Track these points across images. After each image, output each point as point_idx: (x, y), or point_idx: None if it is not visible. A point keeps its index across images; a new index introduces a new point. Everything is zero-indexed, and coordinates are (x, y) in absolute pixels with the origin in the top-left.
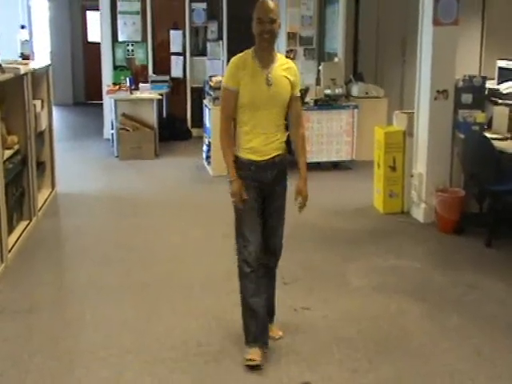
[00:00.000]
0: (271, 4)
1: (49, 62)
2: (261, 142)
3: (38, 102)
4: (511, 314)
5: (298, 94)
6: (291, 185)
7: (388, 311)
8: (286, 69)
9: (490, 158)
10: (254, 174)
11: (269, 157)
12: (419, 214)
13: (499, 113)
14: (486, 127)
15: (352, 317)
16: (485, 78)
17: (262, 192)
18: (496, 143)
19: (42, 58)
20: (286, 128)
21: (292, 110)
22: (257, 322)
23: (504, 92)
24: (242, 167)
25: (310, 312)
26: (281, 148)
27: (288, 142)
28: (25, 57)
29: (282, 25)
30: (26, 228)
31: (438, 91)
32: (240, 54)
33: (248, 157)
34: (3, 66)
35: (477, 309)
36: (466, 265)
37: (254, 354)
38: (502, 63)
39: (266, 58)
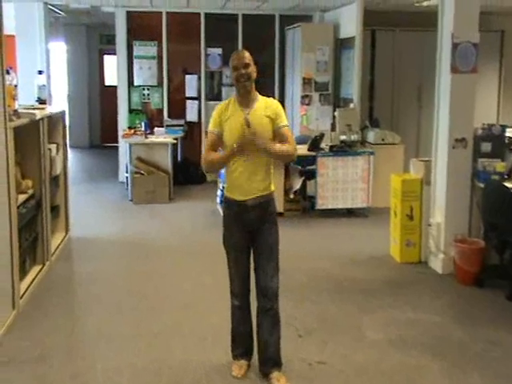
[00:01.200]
0: (243, 52)
1: (65, 108)
2: (244, 182)
3: (53, 146)
4: None
5: (283, 124)
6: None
7: (405, 367)
8: (266, 107)
9: (511, 209)
10: (238, 213)
11: (252, 197)
12: (437, 264)
13: None
14: (506, 176)
15: (368, 372)
16: (505, 127)
17: (249, 231)
18: None
19: (59, 101)
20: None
21: (280, 138)
22: (240, 345)
23: None
24: (228, 206)
25: (325, 366)
26: (265, 188)
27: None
28: (42, 101)
29: (297, 70)
30: (38, 273)
31: (456, 139)
32: (223, 101)
33: (233, 197)
34: (19, 111)
35: (499, 367)
36: (486, 319)
37: (236, 370)
38: None
39: (246, 100)
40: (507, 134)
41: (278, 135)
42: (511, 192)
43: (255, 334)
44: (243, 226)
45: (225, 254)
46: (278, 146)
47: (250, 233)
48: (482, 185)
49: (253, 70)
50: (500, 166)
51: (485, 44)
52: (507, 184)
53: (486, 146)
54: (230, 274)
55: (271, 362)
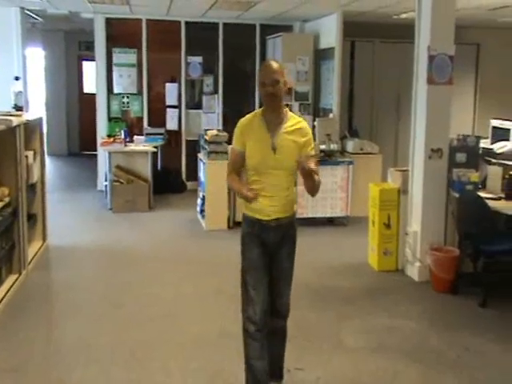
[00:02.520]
0: (274, 65)
1: (42, 114)
2: (266, 203)
3: (30, 154)
4: (508, 378)
5: (311, 154)
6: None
7: (383, 373)
8: (294, 130)
9: (484, 218)
10: (258, 232)
11: (273, 217)
12: (414, 272)
13: (493, 172)
14: (480, 187)
15: (346, 379)
16: (479, 138)
17: (268, 251)
18: (490, 203)
19: (36, 108)
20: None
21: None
22: (253, 379)
23: (498, 151)
24: (247, 224)
25: (304, 373)
26: (287, 210)
27: None
28: (18, 108)
29: None
30: (15, 282)
31: (432, 150)
32: (248, 116)
33: (253, 215)
34: None
35: (473, 371)
36: (461, 325)
37: None
38: (496, 122)
39: (273, 120)
40: (481, 145)
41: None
42: (485, 202)
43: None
44: (263, 245)
45: (239, 277)
46: (318, 177)
47: (269, 254)
48: (456, 194)
49: (282, 86)
50: (474, 176)
51: (461, 56)
52: (481, 194)
53: (461, 157)
54: (248, 297)
55: (276, 375)
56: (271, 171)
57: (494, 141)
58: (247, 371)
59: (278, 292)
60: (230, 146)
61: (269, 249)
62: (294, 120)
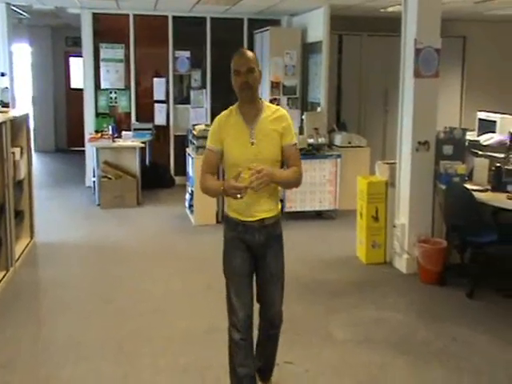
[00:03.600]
0: (249, 53)
1: (28, 110)
2: (248, 202)
3: (17, 150)
4: (495, 367)
5: (293, 142)
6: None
7: (371, 365)
8: (274, 119)
9: (471, 210)
10: (242, 234)
11: (256, 218)
12: (402, 264)
13: (480, 164)
14: (466, 179)
15: (335, 371)
16: (465, 130)
17: (253, 255)
18: (477, 194)
19: (23, 104)
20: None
21: (287, 160)
22: None
23: (484, 144)
24: (230, 226)
25: (293, 366)
26: (272, 210)
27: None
28: (4, 104)
29: (265, 73)
30: (2, 279)
31: (419, 142)
32: (224, 112)
33: (235, 216)
34: None
35: (461, 362)
36: (448, 316)
37: None
38: (482, 115)
39: (250, 111)
40: (468, 137)
41: (285, 153)
42: (471, 193)
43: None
44: (247, 250)
45: (223, 278)
46: (284, 175)
47: (254, 257)
48: (443, 187)
49: (257, 75)
50: (461, 168)
51: (447, 49)
52: (468, 186)
53: (448, 149)
54: (231, 304)
55: (267, 373)
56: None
57: (481, 133)
58: (232, 375)
59: (269, 299)
60: (206, 145)
61: (254, 251)
62: (272, 109)
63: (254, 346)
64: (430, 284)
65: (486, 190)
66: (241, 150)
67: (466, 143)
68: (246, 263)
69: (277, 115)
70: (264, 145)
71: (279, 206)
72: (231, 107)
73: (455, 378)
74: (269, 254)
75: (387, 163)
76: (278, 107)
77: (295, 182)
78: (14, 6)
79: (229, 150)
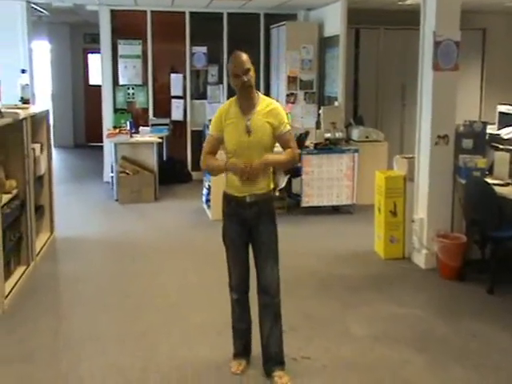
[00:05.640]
0: (243, 56)
1: (48, 107)
2: (241, 183)
3: (37, 146)
4: None
5: (285, 130)
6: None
7: (389, 361)
8: (267, 112)
9: (492, 204)
10: (235, 209)
11: (248, 193)
12: (420, 259)
13: (500, 158)
14: (487, 173)
15: (352, 367)
16: (485, 124)
17: (247, 227)
18: (497, 189)
19: (42, 100)
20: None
21: (282, 144)
22: (239, 342)
23: (505, 137)
24: (226, 202)
25: (310, 361)
26: (263, 188)
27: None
28: (25, 101)
29: (281, 68)
30: (23, 273)
31: (438, 136)
32: (225, 103)
33: (231, 193)
34: (2, 110)
35: (480, 359)
36: (468, 313)
37: (234, 366)
38: (503, 108)
39: (246, 105)
40: (488, 131)
41: (279, 140)
42: (492, 188)
43: (258, 333)
44: (241, 222)
45: (224, 250)
46: (276, 158)
47: (247, 229)
48: (463, 181)
49: (252, 73)
50: (481, 162)
51: (466, 42)
52: (488, 180)
53: (468, 143)
54: (229, 268)
55: (273, 361)
56: (247, 152)
57: (501, 126)
58: (233, 335)
59: (261, 265)
60: (209, 132)
61: (248, 224)
62: (266, 102)
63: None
64: (449, 280)
65: (506, 185)
66: (238, 139)
67: (487, 137)
68: (240, 234)
69: (270, 108)
70: (258, 134)
71: (271, 186)
72: (231, 99)
73: (475, 375)
74: (260, 227)
75: (405, 157)
76: (272, 101)
77: (291, 161)
78: (33, 3)
79: (228, 138)
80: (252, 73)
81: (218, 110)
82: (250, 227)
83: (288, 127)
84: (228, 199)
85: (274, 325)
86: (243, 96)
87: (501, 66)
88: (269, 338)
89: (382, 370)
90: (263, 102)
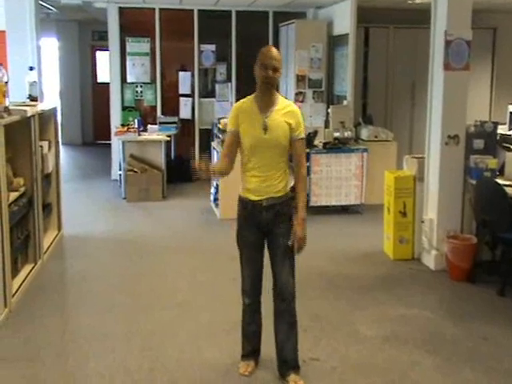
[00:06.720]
0: (276, 52)
1: (56, 104)
2: (258, 183)
3: (45, 144)
4: None
5: (300, 137)
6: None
7: (399, 363)
8: (286, 113)
9: (503, 205)
10: (251, 213)
11: (265, 197)
12: (430, 260)
13: (511, 159)
14: (498, 173)
15: (362, 369)
16: (496, 124)
17: (262, 230)
18: (508, 190)
19: (50, 98)
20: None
21: (293, 152)
22: (247, 344)
23: None
24: (241, 205)
25: (319, 363)
26: (280, 190)
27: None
28: (33, 98)
29: (290, 67)
30: (30, 271)
31: (449, 136)
32: (242, 100)
33: (246, 195)
34: (10, 108)
35: (491, 362)
36: (478, 315)
37: (243, 367)
38: None
39: (265, 102)
40: (499, 131)
41: (293, 146)
42: (503, 188)
43: (273, 337)
44: (257, 226)
45: (237, 253)
46: (302, 201)
47: (263, 233)
48: (474, 181)
49: (279, 74)
50: (492, 162)
51: (477, 41)
52: (499, 181)
53: (479, 143)
54: (242, 272)
55: (288, 365)
56: (264, 150)
57: None
58: (242, 337)
59: (277, 270)
60: (227, 130)
61: (263, 228)
62: (285, 103)
63: (273, 338)
64: (459, 281)
65: None
66: (255, 137)
67: (498, 137)
68: (256, 239)
69: (288, 110)
70: (275, 133)
71: (288, 188)
72: (248, 97)
73: (485, 378)
74: (277, 230)
75: (415, 157)
76: (291, 103)
77: (306, 187)
78: (42, 0)
79: (244, 135)
80: (279, 74)
81: (234, 106)
82: (267, 230)
83: (303, 134)
84: (244, 203)
85: (290, 330)
86: (263, 91)
87: (511, 66)
88: (284, 344)
89: (391, 372)
90: (282, 102)
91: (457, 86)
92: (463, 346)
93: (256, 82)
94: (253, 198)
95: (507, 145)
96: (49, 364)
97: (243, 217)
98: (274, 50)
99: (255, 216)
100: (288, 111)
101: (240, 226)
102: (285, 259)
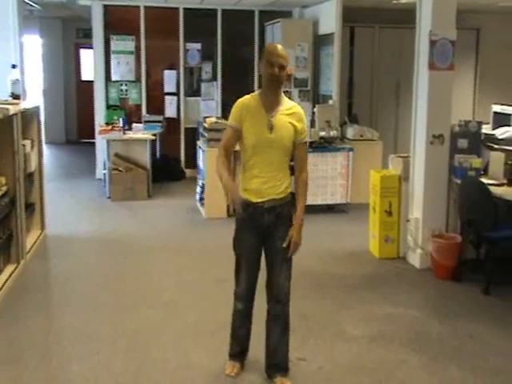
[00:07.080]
0: (282, 49)
1: (39, 102)
2: (260, 184)
3: (27, 143)
4: None
5: (305, 140)
6: None
7: (385, 362)
8: (291, 114)
9: (487, 204)
10: (251, 215)
11: (266, 198)
12: (415, 259)
13: (495, 158)
14: (482, 173)
15: (348, 368)
16: (480, 124)
17: (262, 234)
18: (492, 189)
19: (34, 96)
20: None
21: (296, 155)
22: (236, 345)
23: (500, 137)
24: (242, 208)
25: (306, 363)
26: (281, 192)
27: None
28: (15, 96)
29: None
30: (13, 272)
31: (433, 136)
32: (246, 97)
33: (246, 197)
34: None
35: (476, 360)
36: (463, 313)
37: (229, 368)
38: (497, 108)
39: (271, 101)
40: (483, 131)
41: (296, 149)
42: (487, 188)
43: (260, 338)
44: (257, 229)
45: (233, 257)
46: (302, 203)
47: (262, 236)
48: (458, 181)
49: (285, 73)
50: (476, 162)
51: (461, 41)
52: (483, 180)
53: (463, 143)
54: (237, 277)
55: (278, 367)
56: (267, 150)
57: (496, 126)
58: (231, 338)
59: (275, 274)
60: (228, 123)
61: (262, 231)
62: (290, 104)
63: (264, 340)
64: (444, 280)
65: (501, 185)
66: (259, 136)
67: (482, 137)
68: (255, 242)
69: (293, 111)
70: (280, 134)
71: (289, 190)
72: (252, 94)
73: (471, 377)
74: (276, 233)
75: (401, 157)
76: (296, 104)
77: (306, 192)
78: None
79: (247, 133)
80: (285, 73)
81: (237, 102)
82: (267, 233)
83: (307, 138)
84: (244, 205)
85: (283, 334)
86: (269, 89)
87: (494, 66)
88: (277, 347)
89: (378, 371)
90: (287, 103)
91: (441, 85)
92: (449, 344)
93: (263, 80)
94: (254, 199)
95: (491, 144)
96: (32, 366)
97: (243, 220)
98: (279, 46)
99: (256, 219)
100: (293, 112)
101: (239, 228)
102: (283, 263)
